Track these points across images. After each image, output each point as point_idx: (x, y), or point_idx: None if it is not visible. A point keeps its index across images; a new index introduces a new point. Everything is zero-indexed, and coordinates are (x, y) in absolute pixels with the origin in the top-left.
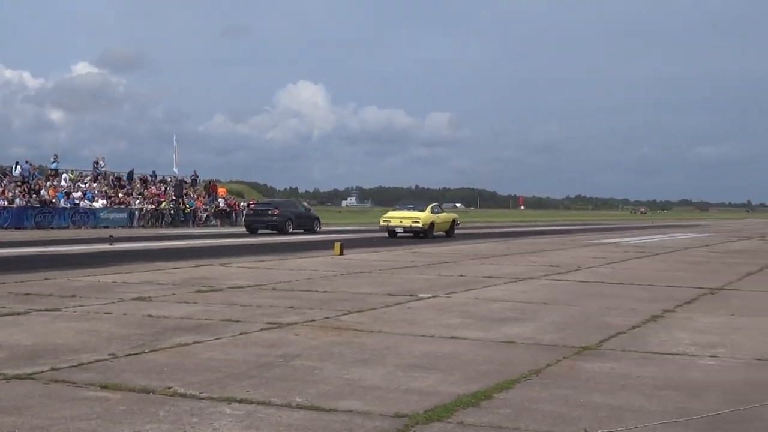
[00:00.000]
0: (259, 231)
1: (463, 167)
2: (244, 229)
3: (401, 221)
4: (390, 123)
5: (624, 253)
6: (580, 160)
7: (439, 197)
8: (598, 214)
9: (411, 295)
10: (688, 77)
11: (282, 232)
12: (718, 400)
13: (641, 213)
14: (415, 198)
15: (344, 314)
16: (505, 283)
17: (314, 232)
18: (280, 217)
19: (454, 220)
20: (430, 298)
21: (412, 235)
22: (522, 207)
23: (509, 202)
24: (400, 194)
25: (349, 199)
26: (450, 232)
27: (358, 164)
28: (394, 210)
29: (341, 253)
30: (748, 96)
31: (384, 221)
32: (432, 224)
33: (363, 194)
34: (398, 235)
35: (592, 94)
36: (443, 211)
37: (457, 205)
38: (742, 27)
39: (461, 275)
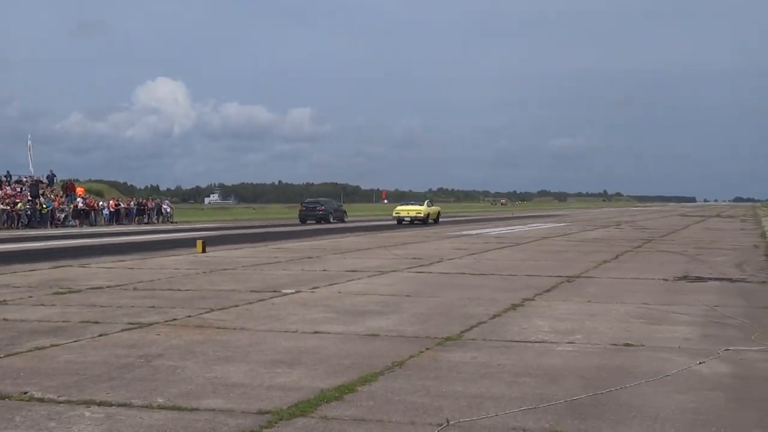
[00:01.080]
0: (307, 222)
1: (326, 162)
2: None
3: (409, 213)
4: (251, 119)
5: (485, 244)
6: (442, 153)
7: (303, 192)
8: (460, 206)
9: (274, 291)
10: (541, 74)
11: (326, 222)
12: (576, 386)
13: (502, 204)
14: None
15: (207, 312)
16: (368, 276)
17: (344, 222)
18: (324, 212)
19: (438, 212)
20: (293, 293)
21: (419, 222)
22: (385, 201)
23: (372, 196)
24: (263, 191)
25: (211, 196)
26: (437, 220)
27: (220, 161)
28: (402, 206)
29: (203, 251)
30: (598, 91)
31: (396, 213)
32: (428, 215)
33: (226, 191)
34: (405, 222)
35: (451, 91)
36: (433, 206)
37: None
38: (590, 24)
39: (325, 270)
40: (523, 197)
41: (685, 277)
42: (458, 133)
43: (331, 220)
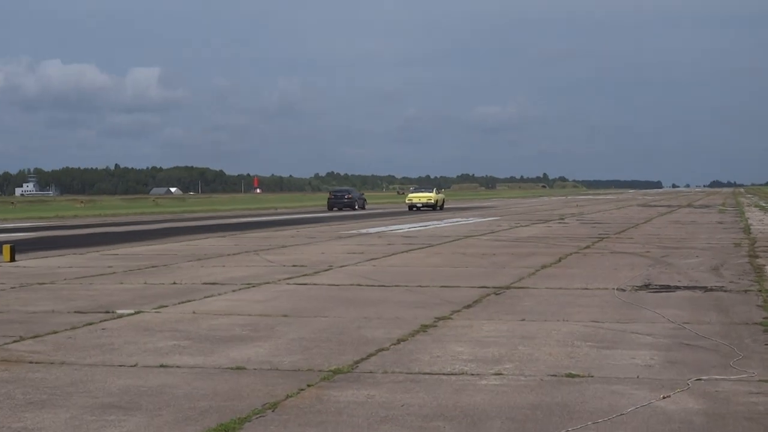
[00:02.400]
0: (334, 209)
1: (179, 139)
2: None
3: (420, 199)
4: (79, 82)
5: (388, 246)
6: (331, 126)
7: (148, 180)
8: None
9: (107, 312)
10: (455, 17)
11: (352, 209)
12: (504, 431)
13: (403, 194)
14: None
15: (15, 341)
16: (233, 291)
17: (364, 209)
18: (351, 200)
19: (444, 199)
20: (132, 314)
21: (429, 208)
22: (257, 190)
23: (241, 184)
24: (93, 178)
25: (25, 185)
26: (443, 207)
27: (36, 139)
28: (413, 193)
29: (12, 259)
30: (531, 40)
31: (408, 200)
32: (437, 201)
33: (44, 179)
34: (418, 208)
35: (339, 41)
36: (440, 193)
37: (172, 189)
38: None
39: (175, 282)
40: (440, 183)
41: (646, 286)
42: (349, 99)
43: (357, 207)
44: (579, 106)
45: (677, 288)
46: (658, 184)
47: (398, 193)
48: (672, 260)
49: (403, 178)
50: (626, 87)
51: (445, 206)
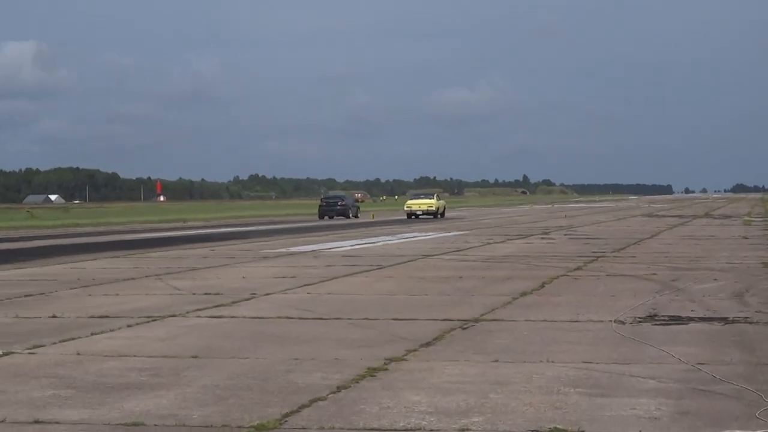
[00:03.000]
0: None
1: (61, 134)
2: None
3: (420, 206)
4: None
5: (327, 268)
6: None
7: (21, 186)
8: (288, 205)
9: None
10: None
11: (346, 217)
12: None
13: (375, 201)
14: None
15: None
16: (129, 326)
17: (357, 217)
18: (345, 207)
19: (445, 206)
20: None
21: (430, 216)
22: (161, 197)
23: (140, 190)
24: None
25: None
26: (443, 214)
27: None
28: (413, 200)
29: None
30: (506, 15)
31: (407, 207)
32: (438, 209)
33: None
34: (417, 216)
35: (272, 15)
36: (442, 199)
37: (52, 197)
38: None
39: (55, 316)
40: (393, 188)
41: (652, 318)
42: (281, 83)
43: (350, 215)
44: (569, 92)
45: (690, 320)
46: (667, 189)
47: None
48: (684, 285)
49: (347, 182)
50: (628, 70)
51: (406, 218)
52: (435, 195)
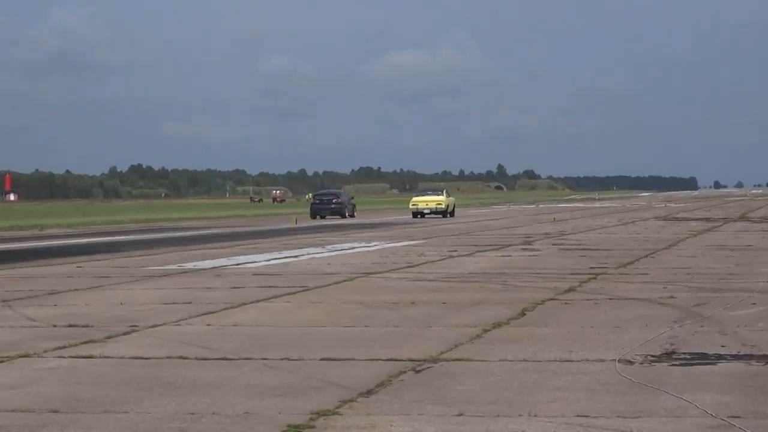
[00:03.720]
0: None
1: None
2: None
3: (428, 204)
4: None
5: (234, 291)
6: (142, 90)
7: None
8: (183, 206)
9: None
10: None
11: (342, 216)
12: None
13: (258, 201)
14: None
15: None
16: None
17: (354, 216)
18: (341, 205)
19: (455, 204)
20: None
21: (439, 216)
22: (11, 196)
23: None
24: None
25: None
26: (453, 213)
27: None
28: (419, 196)
29: None
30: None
31: (413, 205)
32: (447, 206)
33: None
34: (423, 215)
35: None
36: (451, 196)
37: None
38: None
39: None
40: (326, 183)
41: (668, 355)
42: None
43: (347, 215)
44: (560, 59)
45: (720, 358)
46: (690, 183)
47: (253, 200)
48: (712, 311)
49: (262, 174)
50: (639, 29)
51: (412, 216)
52: (444, 191)
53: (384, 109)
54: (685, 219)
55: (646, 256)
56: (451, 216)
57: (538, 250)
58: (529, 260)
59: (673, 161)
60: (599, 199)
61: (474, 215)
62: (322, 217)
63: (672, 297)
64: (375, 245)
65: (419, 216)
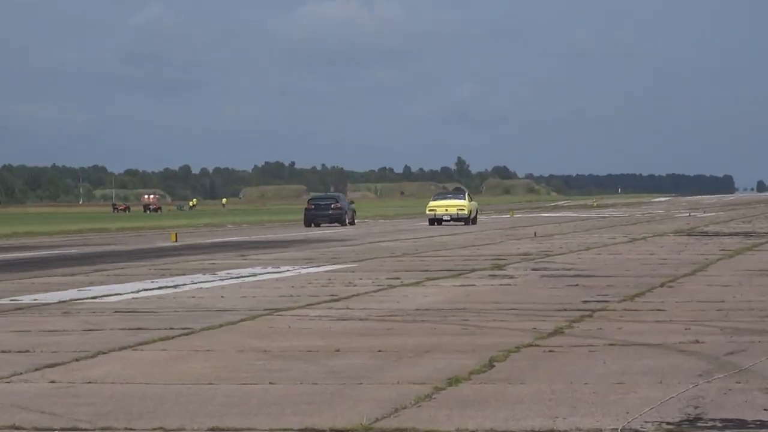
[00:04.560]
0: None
1: None
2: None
3: (448, 209)
4: None
5: (89, 336)
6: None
7: None
8: (17, 216)
9: None
10: None
11: (341, 224)
12: None
13: (183, 209)
14: None
15: None
16: None
17: (354, 224)
18: (340, 211)
19: (478, 209)
20: None
21: (461, 223)
22: None
23: None
24: None
25: None
26: (475, 220)
27: None
28: (437, 200)
29: None
30: None
31: (429, 210)
32: (470, 213)
33: None
34: (441, 222)
35: None
36: (474, 200)
37: None
38: None
39: None
40: (216, 185)
41: (691, 422)
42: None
43: (346, 222)
44: (542, 10)
45: (763, 426)
46: (725, 184)
47: (117, 208)
48: (752, 361)
49: (128, 172)
50: None
51: (428, 223)
52: (466, 194)
53: (298, 81)
54: (717, 234)
55: (662, 285)
56: (473, 223)
57: (512, 277)
58: (500, 291)
59: (702, 154)
60: (597, 206)
61: (423, 229)
62: (317, 225)
63: (697, 342)
64: (286, 271)
65: (436, 223)
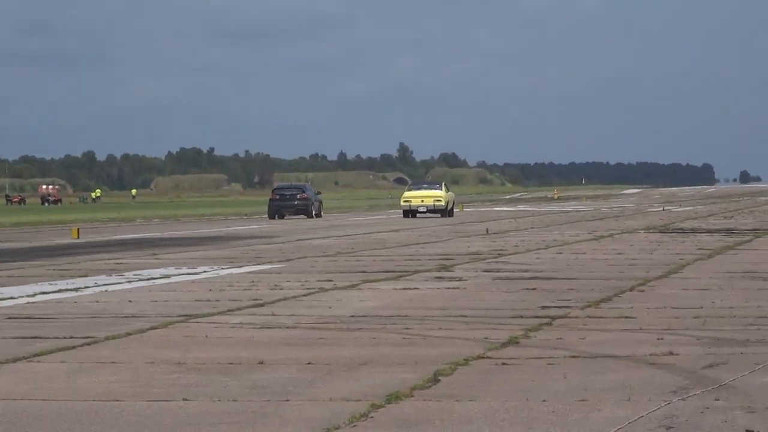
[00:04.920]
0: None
1: None
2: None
3: (424, 200)
4: None
5: None
6: None
7: None
8: None
9: None
10: None
11: (308, 216)
12: None
13: (86, 202)
14: None
15: None
16: None
17: (320, 216)
18: (307, 202)
19: (454, 201)
20: None
21: (437, 215)
22: None
23: None
24: None
25: None
26: (452, 212)
27: None
28: (412, 190)
29: None
30: None
31: (404, 201)
32: (447, 204)
33: None
34: (415, 215)
35: None
36: (450, 191)
37: None
38: None
39: None
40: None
41: None
42: None
43: (313, 214)
44: None
45: None
46: (704, 174)
47: (10, 200)
48: (732, 375)
49: (24, 159)
50: None
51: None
52: (443, 185)
53: (218, 56)
54: (694, 231)
55: (632, 289)
56: (450, 216)
57: (460, 279)
58: (447, 296)
59: (678, 141)
60: (559, 199)
61: (361, 224)
62: (281, 217)
63: (671, 353)
64: (203, 272)
65: (411, 216)
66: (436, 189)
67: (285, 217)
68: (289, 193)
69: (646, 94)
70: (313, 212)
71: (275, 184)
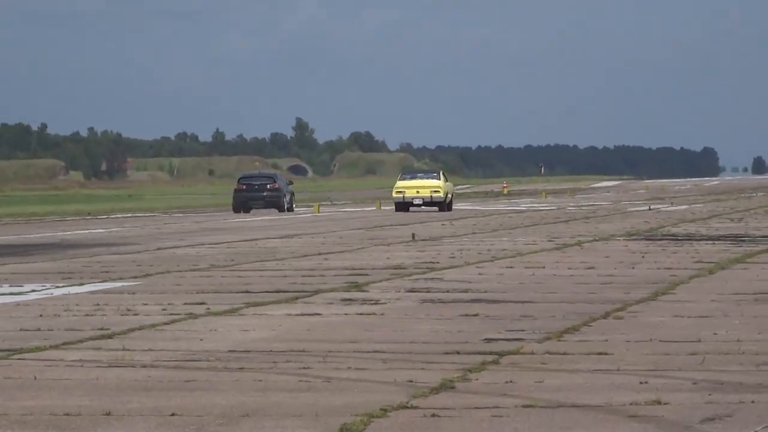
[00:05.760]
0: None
1: None
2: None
3: (419, 191)
4: None
5: None
6: None
7: None
8: None
9: None
10: None
11: (279, 209)
12: None
13: None
14: None
15: None
16: None
17: (292, 211)
18: (278, 192)
19: (454, 193)
20: None
21: (435, 209)
22: None
23: None
24: None
25: None
26: (451, 205)
27: None
28: (405, 180)
29: None
30: None
31: (397, 192)
32: (446, 195)
33: None
34: (409, 207)
35: None
36: (448, 180)
37: None
38: None
39: None
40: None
41: None
42: None
43: (285, 208)
44: None
45: None
46: (705, 162)
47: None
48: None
49: None
50: None
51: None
52: (440, 174)
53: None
54: (691, 238)
55: (607, 315)
56: (448, 209)
57: (377, 302)
58: (359, 324)
59: (671, 119)
60: (510, 194)
61: (245, 227)
62: (247, 211)
63: (659, 402)
64: (31, 291)
65: (404, 209)
66: (433, 179)
67: (251, 211)
68: (258, 183)
69: (627, 55)
70: (285, 205)
71: (129, 171)
